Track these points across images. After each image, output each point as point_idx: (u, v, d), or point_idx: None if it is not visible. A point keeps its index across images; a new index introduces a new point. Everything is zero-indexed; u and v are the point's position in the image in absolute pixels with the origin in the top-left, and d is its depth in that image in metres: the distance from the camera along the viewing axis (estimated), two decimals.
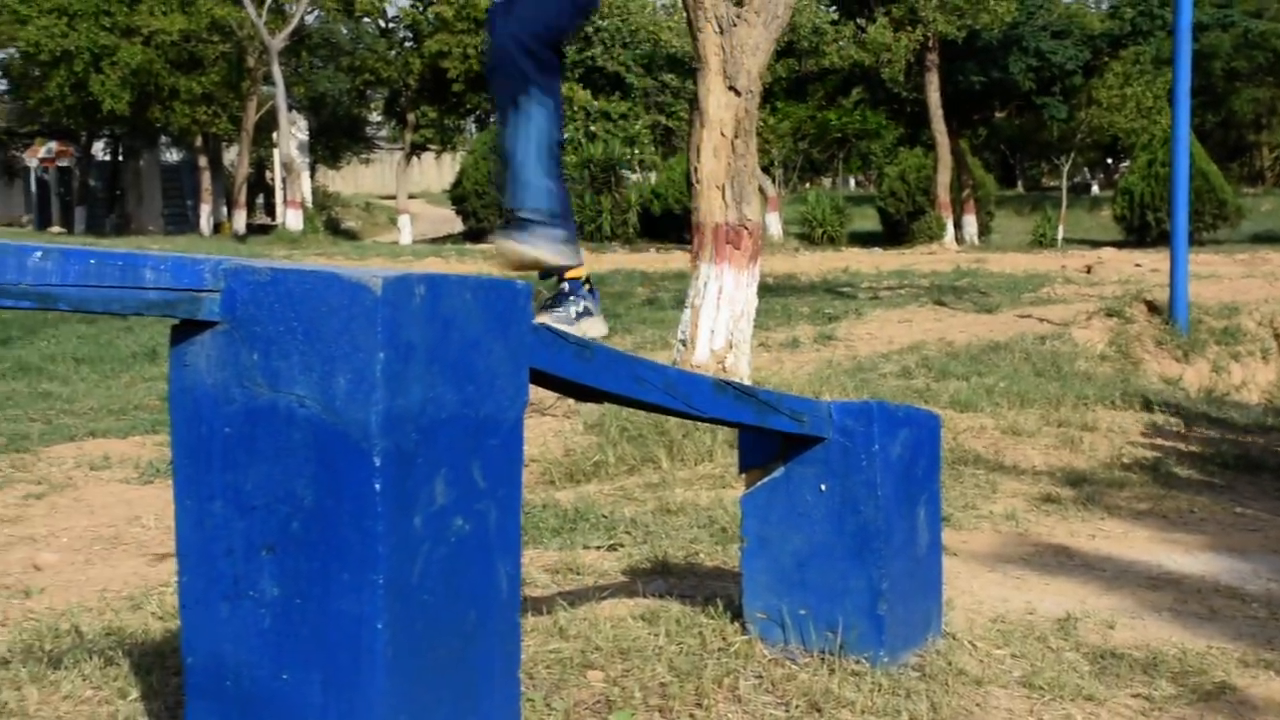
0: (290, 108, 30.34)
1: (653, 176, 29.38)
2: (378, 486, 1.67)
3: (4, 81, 31.55)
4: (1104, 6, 35.21)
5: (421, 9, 33.15)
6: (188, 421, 1.82)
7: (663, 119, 29.33)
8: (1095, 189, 46.38)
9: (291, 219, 29.20)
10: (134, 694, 2.40)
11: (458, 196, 30.98)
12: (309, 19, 31.65)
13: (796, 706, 2.50)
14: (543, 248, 2.56)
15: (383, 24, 35.11)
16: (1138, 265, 16.78)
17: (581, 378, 2.07)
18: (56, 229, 32.89)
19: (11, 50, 30.22)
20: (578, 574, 3.76)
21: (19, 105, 32.18)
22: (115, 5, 28.82)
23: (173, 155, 36.26)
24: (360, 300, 1.67)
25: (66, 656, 2.71)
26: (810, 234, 27.47)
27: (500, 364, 1.83)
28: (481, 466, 1.80)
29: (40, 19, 27.65)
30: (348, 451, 1.68)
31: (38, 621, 3.26)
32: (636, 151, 28.63)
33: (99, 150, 35.43)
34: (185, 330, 1.78)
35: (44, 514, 4.94)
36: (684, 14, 7.29)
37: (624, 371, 2.24)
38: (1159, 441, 6.48)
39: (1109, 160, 45.92)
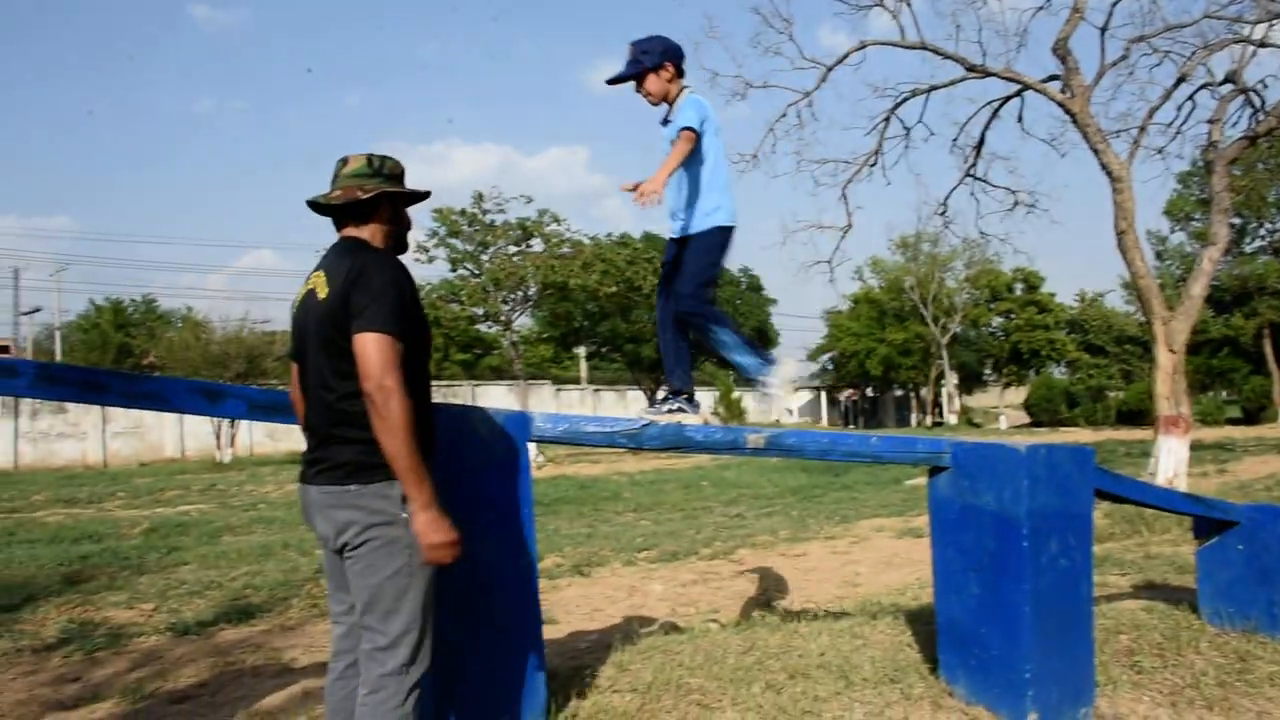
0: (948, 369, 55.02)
1: (1120, 394, 54.60)
2: (1025, 544, 3.58)
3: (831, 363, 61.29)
4: None
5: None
6: (938, 513, 3.97)
7: (1125, 366, 56.48)
8: None
9: (951, 418, 53.88)
10: (908, 635, 4.60)
11: (1027, 405, 58.28)
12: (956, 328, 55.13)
13: (1231, 656, 4.38)
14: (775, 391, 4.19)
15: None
16: None
17: (1116, 491, 3.87)
18: (849, 428, 55.58)
19: (833, 353, 59.94)
20: (1107, 587, 6.09)
21: (839, 373, 60.39)
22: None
23: (896, 391, 63.45)
24: (1015, 456, 3.64)
25: (878, 615, 5.12)
26: (1204, 420, 42.96)
27: (1079, 485, 3.68)
28: (1071, 535, 3.65)
29: (851, 335, 56.52)
30: (1011, 527, 3.63)
31: (863, 599, 6.33)
32: (1112, 381, 56.85)
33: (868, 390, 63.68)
34: (934, 471, 3.94)
35: (858, 550, 9.54)
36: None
37: (1136, 488, 4.14)
38: None
39: None
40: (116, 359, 44.60)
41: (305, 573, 8.27)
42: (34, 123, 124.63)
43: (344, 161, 2.91)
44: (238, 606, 7.03)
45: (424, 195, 3.03)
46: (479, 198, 26.44)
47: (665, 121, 4.15)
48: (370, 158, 2.90)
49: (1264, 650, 4.45)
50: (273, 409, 3.43)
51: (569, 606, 6.92)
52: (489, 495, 3.44)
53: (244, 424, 31.65)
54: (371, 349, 2.59)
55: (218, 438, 30.84)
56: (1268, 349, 47.64)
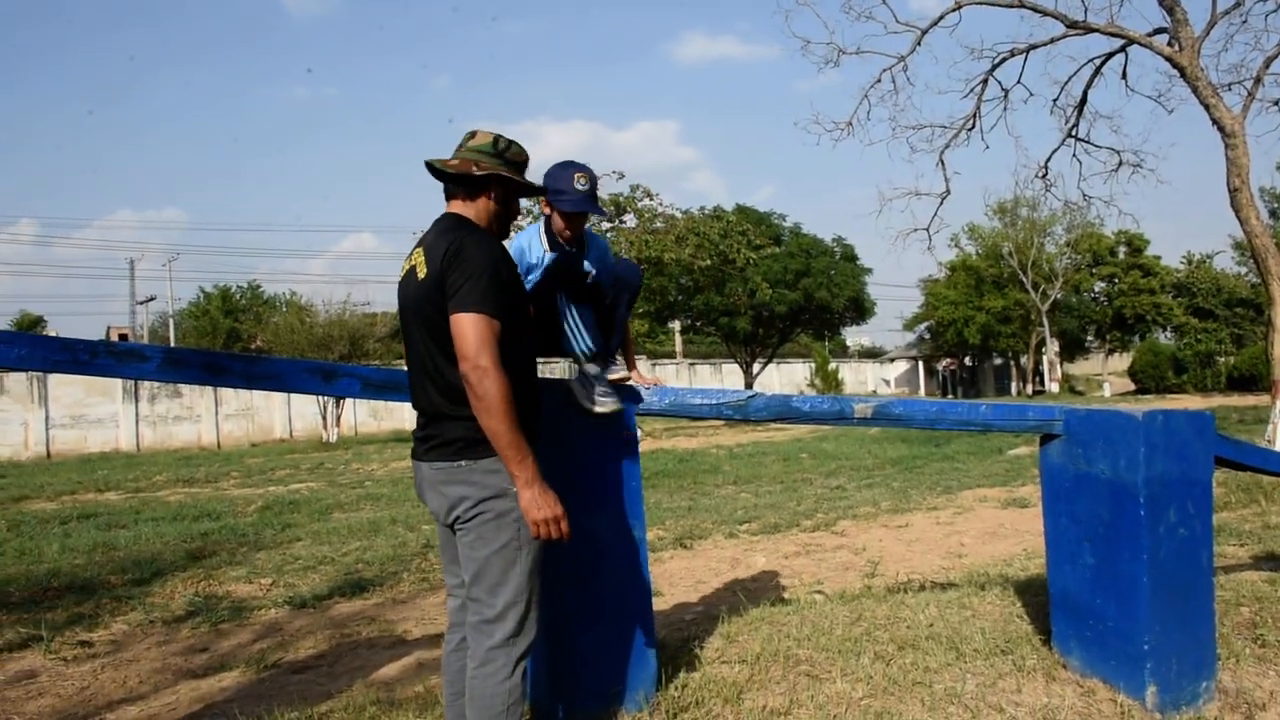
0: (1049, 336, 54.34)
1: (1230, 359, 54.68)
2: (1142, 513, 3.49)
3: (928, 332, 62.61)
4: None
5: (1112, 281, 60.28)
6: (1049, 482, 3.89)
7: (1236, 330, 55.82)
8: None
9: (1053, 387, 53.57)
10: (1018, 606, 4.53)
11: (1132, 372, 57.97)
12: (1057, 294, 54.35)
13: None
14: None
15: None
16: None
17: (1237, 458, 3.75)
18: (948, 398, 56.13)
19: (930, 322, 60.19)
20: (1225, 558, 5.96)
21: (936, 342, 60.61)
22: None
23: (995, 359, 62.99)
24: (1132, 423, 3.55)
25: (986, 586, 5.05)
26: None
27: (1198, 452, 3.57)
28: (1190, 503, 3.54)
29: (948, 303, 55.54)
30: (1127, 495, 3.54)
31: (969, 570, 6.21)
32: (1222, 346, 55.83)
33: (966, 359, 63.19)
34: (1046, 439, 3.87)
35: (962, 521, 9.48)
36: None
37: (1258, 455, 3.96)
38: None
39: None
40: (226, 344, 46.07)
41: (413, 548, 8.48)
42: (145, 120, 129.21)
43: (472, 134, 2.95)
44: (350, 580, 7.24)
45: (538, 190, 3.08)
46: None
47: (567, 248, 3.50)
48: (498, 138, 2.93)
49: None
50: (386, 387, 3.51)
51: (673, 579, 6.97)
52: (598, 468, 3.49)
53: (349, 404, 32.47)
54: (467, 329, 2.61)
55: (324, 418, 31.68)
56: None
